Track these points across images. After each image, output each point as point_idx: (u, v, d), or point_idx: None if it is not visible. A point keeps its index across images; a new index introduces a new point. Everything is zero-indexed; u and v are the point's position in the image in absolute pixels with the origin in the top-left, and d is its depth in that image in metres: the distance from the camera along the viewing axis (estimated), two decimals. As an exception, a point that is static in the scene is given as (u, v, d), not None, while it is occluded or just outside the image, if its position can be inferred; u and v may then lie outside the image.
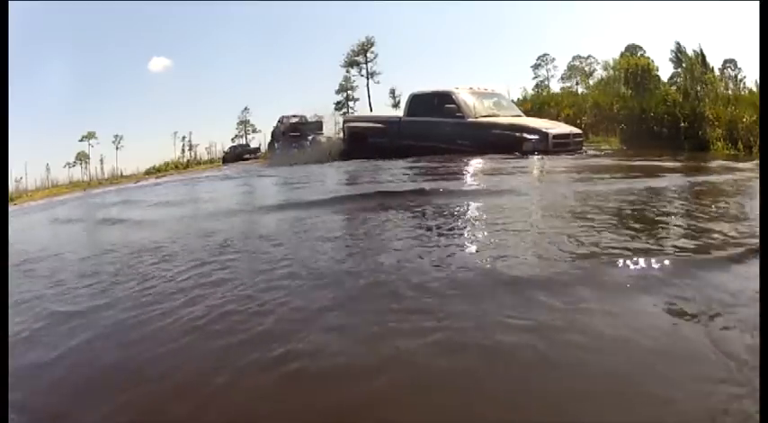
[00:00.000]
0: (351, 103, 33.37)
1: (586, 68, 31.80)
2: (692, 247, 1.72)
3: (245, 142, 33.26)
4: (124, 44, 53.93)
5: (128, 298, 1.60)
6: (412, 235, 2.11)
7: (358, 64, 32.56)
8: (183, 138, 36.31)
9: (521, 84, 60.94)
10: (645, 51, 22.90)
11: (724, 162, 4.86)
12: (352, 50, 32.31)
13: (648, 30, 46.89)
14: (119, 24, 50.62)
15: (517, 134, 6.42)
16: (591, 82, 24.21)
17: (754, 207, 2.29)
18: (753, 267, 1.43)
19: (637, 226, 2.05)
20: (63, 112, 51.73)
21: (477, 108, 7.22)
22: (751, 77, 14.64)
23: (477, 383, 0.96)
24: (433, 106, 7.49)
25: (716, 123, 6.83)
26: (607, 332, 1.11)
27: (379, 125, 8.46)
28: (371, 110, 25.30)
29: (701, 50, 8.00)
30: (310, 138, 12.00)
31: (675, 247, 1.71)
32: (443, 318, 1.22)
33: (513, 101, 11.27)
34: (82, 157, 35.60)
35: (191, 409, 0.94)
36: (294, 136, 13.02)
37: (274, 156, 13.45)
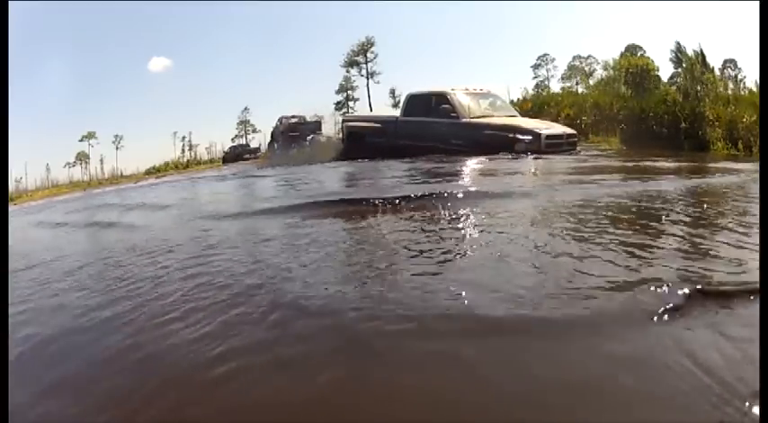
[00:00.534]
0: (351, 103, 33.51)
1: (586, 68, 31.75)
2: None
3: (244, 142, 33.38)
4: (124, 44, 54.22)
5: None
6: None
7: (358, 64, 32.67)
8: (183, 138, 36.61)
9: (521, 84, 61.17)
10: (645, 51, 22.89)
11: (724, 163, 4.77)
12: (352, 50, 32.46)
13: (648, 30, 46.92)
14: (119, 24, 50.78)
15: (510, 135, 6.46)
16: (591, 82, 24.18)
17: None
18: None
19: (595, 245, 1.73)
20: (63, 112, 52.07)
21: (472, 108, 7.26)
22: (751, 77, 14.62)
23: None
24: (429, 106, 7.52)
25: (716, 123, 6.80)
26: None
27: (377, 125, 8.48)
28: (371, 110, 25.28)
29: (701, 50, 7.98)
30: (309, 138, 12.05)
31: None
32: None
33: (512, 101, 11.26)
34: (82, 157, 35.80)
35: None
36: (293, 136, 13.07)
37: (273, 156, 13.49)
